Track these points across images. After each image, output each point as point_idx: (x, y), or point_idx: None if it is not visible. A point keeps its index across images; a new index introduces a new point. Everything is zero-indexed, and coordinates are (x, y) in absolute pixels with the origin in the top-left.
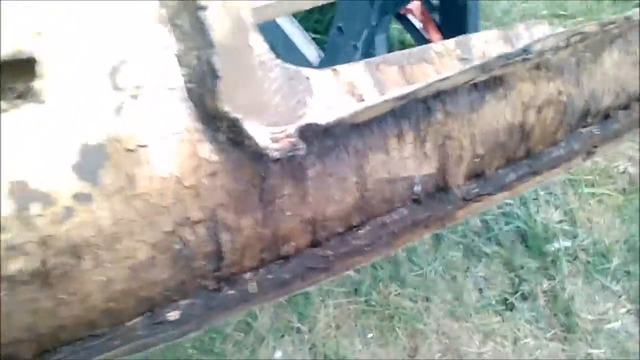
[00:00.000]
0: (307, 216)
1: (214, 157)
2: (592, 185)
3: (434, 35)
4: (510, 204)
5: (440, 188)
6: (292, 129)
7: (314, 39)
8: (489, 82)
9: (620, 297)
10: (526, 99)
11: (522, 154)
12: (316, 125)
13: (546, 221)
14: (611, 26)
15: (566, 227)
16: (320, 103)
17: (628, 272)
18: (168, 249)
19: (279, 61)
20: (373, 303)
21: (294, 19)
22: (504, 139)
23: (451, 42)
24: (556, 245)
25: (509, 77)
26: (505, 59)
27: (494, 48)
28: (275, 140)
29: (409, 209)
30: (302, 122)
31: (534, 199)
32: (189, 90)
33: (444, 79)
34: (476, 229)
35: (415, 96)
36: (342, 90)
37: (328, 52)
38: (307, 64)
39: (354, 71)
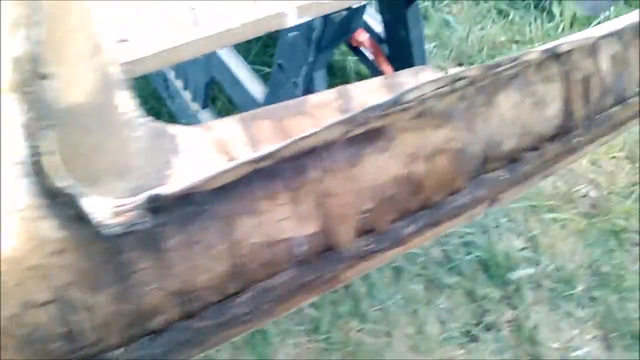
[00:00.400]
0: (174, 288)
1: (59, 234)
2: (554, 211)
3: (385, 67)
4: (471, 233)
5: (327, 247)
6: (138, 200)
7: (267, 73)
8: (368, 134)
9: (586, 323)
10: (411, 150)
11: (418, 205)
12: (164, 195)
13: (508, 249)
14: (500, 68)
15: (529, 254)
16: (187, 163)
17: (593, 298)
18: (13, 334)
19: (145, 119)
20: (333, 341)
21: (238, 55)
22: (393, 191)
23: (331, 93)
24: (519, 273)
25: (389, 128)
26: (374, 111)
27: (376, 98)
28: (116, 215)
29: (295, 271)
30: (149, 193)
31: (495, 227)
32: (33, 164)
33: (309, 136)
34: (437, 259)
35: (281, 155)
36: (212, 149)
37: (271, 88)
38: (252, 100)
39: (227, 127)
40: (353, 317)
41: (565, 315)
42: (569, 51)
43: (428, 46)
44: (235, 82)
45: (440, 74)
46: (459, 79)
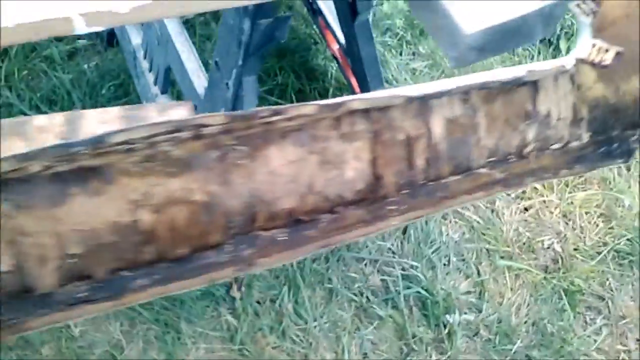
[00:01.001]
0: None
1: None
2: (511, 258)
3: (352, 79)
4: (416, 267)
5: (26, 288)
6: None
7: None
8: (78, 173)
9: None
10: (136, 196)
11: (152, 257)
12: None
13: (451, 290)
14: (270, 119)
15: (472, 299)
16: None
17: (529, 358)
18: None
19: None
20: (247, 353)
21: (192, 46)
22: (112, 239)
23: (60, 117)
24: (457, 317)
25: (106, 169)
26: (60, 149)
27: (108, 129)
28: None
29: None
30: None
31: (445, 265)
32: None
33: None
34: (374, 288)
35: None
36: None
37: (208, 85)
38: (195, 94)
39: None
40: (273, 332)
41: None
42: (382, 108)
43: (420, 64)
44: (184, 73)
45: (192, 115)
46: (207, 125)
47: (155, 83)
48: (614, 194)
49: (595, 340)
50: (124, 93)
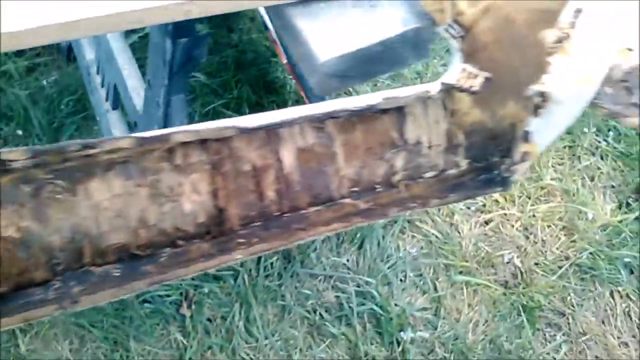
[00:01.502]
0: None
1: None
2: (469, 274)
3: (301, 91)
4: (371, 283)
5: None
6: None
7: None
8: None
9: None
10: None
11: None
12: None
13: (406, 306)
14: (91, 152)
15: (428, 315)
16: None
17: None
18: None
19: None
20: None
21: (134, 63)
22: None
23: None
24: (411, 334)
25: None
26: None
27: None
28: None
29: None
30: None
31: (401, 280)
32: None
33: None
34: (328, 305)
35: None
36: None
37: (144, 103)
38: (135, 111)
39: None
40: (223, 350)
41: None
42: (223, 139)
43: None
44: (126, 89)
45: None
46: (12, 160)
47: (107, 99)
48: (577, 206)
49: (554, 358)
50: (82, 108)
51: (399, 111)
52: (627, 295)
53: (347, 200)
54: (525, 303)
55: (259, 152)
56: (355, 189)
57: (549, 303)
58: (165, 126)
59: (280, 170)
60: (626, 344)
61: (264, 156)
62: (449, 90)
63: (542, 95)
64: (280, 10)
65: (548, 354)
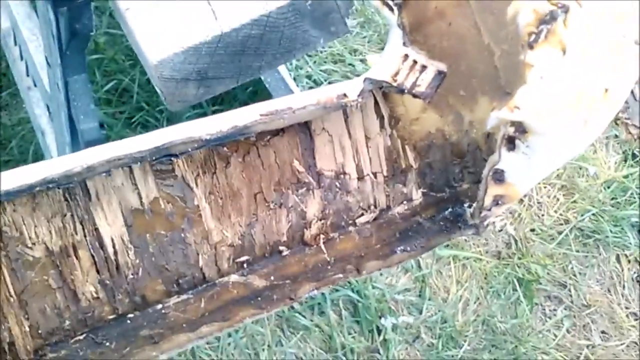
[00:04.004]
0: None
1: None
2: (456, 247)
3: None
4: None
5: None
6: None
7: None
8: None
9: None
10: None
11: None
12: None
13: (386, 289)
14: None
15: (412, 297)
16: None
17: None
18: None
19: None
20: None
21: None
22: None
23: None
24: (393, 320)
25: None
26: None
27: None
28: None
29: None
30: None
31: None
32: None
33: None
34: None
35: None
36: None
37: (49, 85)
38: (44, 90)
39: None
40: (181, 354)
41: None
42: None
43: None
44: (33, 65)
45: None
46: None
47: (28, 74)
48: (577, 162)
49: (555, 336)
50: (8, 83)
51: (302, 130)
52: (636, 260)
53: (231, 279)
54: (521, 276)
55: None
56: (243, 258)
57: (547, 274)
58: (69, 112)
59: (99, 250)
60: (635, 315)
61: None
62: (381, 89)
63: (518, 126)
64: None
65: (548, 331)
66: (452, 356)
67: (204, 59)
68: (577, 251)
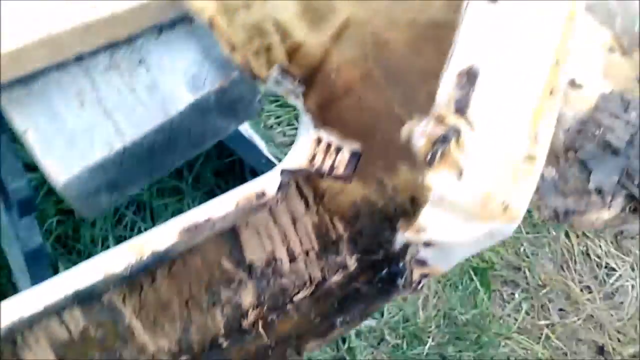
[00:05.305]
0: None
1: None
2: None
3: None
4: None
5: None
6: None
7: None
8: None
9: None
10: None
11: None
12: None
13: None
14: None
15: None
16: None
17: (443, 357)
18: None
19: None
20: None
21: None
22: None
23: None
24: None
25: None
26: None
27: None
28: None
29: None
30: None
31: None
32: None
33: None
34: None
35: None
36: None
37: None
38: None
39: None
40: None
41: None
42: None
43: None
44: None
45: None
46: None
47: None
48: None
49: (515, 319)
50: None
51: (231, 233)
52: (583, 234)
53: None
54: (475, 265)
55: None
56: (182, 358)
57: (501, 259)
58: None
59: None
60: (588, 288)
61: None
62: (296, 176)
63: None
64: None
65: (509, 315)
66: (418, 354)
67: (111, 171)
68: (528, 233)
